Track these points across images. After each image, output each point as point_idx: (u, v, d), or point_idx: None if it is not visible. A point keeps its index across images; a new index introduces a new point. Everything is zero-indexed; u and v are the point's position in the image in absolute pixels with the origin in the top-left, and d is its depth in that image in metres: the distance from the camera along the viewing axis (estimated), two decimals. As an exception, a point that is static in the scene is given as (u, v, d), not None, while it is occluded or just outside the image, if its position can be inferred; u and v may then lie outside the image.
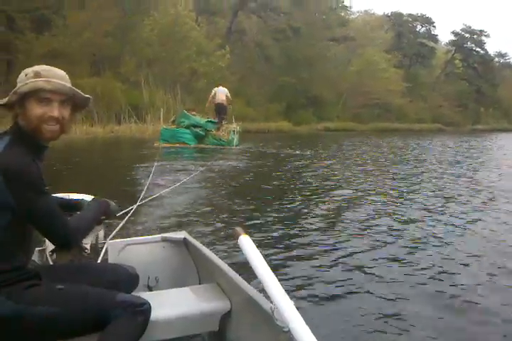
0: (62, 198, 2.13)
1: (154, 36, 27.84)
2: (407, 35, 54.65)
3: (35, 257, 2.26)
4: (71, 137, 18.50)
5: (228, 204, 6.19)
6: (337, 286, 3.28)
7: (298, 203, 6.50)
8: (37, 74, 1.58)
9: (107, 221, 2.13)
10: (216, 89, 16.78)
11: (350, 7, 55.04)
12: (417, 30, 57.07)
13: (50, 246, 2.28)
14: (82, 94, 1.68)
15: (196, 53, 28.88)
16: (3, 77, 20.07)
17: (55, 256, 2.26)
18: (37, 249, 2.35)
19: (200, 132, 16.14)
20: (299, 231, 4.88)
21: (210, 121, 16.55)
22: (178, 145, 15.62)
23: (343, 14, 47.91)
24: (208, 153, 13.89)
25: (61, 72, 1.66)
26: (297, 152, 15.37)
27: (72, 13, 22.59)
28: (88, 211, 1.86)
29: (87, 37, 22.01)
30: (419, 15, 57.24)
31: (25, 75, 1.60)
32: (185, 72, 28.19)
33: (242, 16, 39.39)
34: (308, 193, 7.33)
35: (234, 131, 16.75)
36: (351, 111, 41.32)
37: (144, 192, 3.67)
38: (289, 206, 6.23)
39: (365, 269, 3.66)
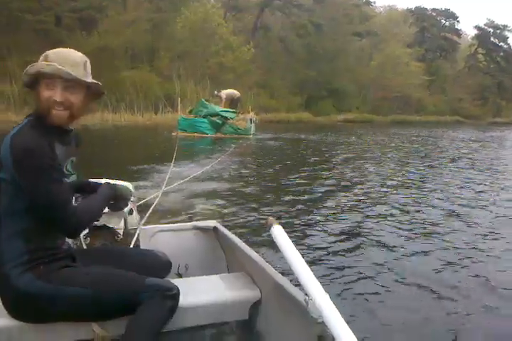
0: (89, 181, 2.06)
1: (186, 32, 30.29)
2: (431, 30, 55.58)
3: (69, 241, 2.23)
4: (115, 123, 21.19)
5: (254, 191, 6.28)
6: (372, 281, 3.21)
7: (325, 189, 6.66)
8: (45, 57, 1.57)
9: (137, 205, 2.11)
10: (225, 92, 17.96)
11: (374, 2, 56.25)
12: (441, 24, 57.89)
13: (84, 230, 2.28)
14: (84, 80, 1.61)
15: (223, 48, 31.20)
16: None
17: (89, 240, 2.33)
18: None
19: (218, 121, 16.30)
20: (333, 220, 4.85)
21: (228, 110, 16.79)
22: (196, 134, 15.95)
23: (366, 9, 49.28)
24: (225, 142, 14.25)
25: (74, 56, 1.61)
26: (317, 138, 17.00)
27: (115, 14, 25.28)
28: (95, 196, 1.80)
29: (129, 35, 24.61)
30: (442, 9, 58.08)
31: (42, 57, 1.59)
32: (214, 65, 30.49)
33: (268, 13, 41.47)
34: (334, 179, 7.62)
35: (251, 119, 17.09)
36: (371, 103, 42.95)
37: (166, 181, 3.52)
38: (317, 192, 6.36)
39: (407, 264, 3.58)
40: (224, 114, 16.44)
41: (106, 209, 1.98)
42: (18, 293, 1.54)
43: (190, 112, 17.33)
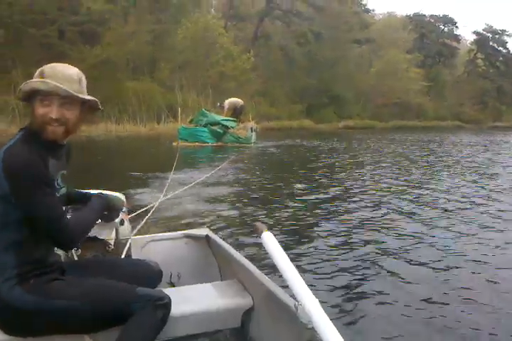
0: (80, 191, 2.06)
1: (187, 43, 30.73)
2: (430, 36, 56.06)
3: (60, 253, 2.22)
4: (118, 134, 21.51)
5: (250, 200, 6.25)
6: (361, 284, 3.23)
7: (324, 193, 6.75)
8: (40, 73, 1.56)
9: (129, 216, 2.06)
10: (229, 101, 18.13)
11: (373, 10, 56.82)
12: (440, 30, 58.34)
13: None
14: (80, 95, 1.60)
15: (224, 57, 31.61)
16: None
17: (79, 251, 2.29)
18: None
19: (218, 130, 16.17)
20: (324, 227, 4.84)
21: (228, 119, 16.70)
22: (196, 144, 15.74)
23: (365, 17, 49.77)
24: (226, 151, 14.13)
25: (69, 72, 1.60)
26: (318, 144, 17.12)
27: (117, 26, 25.74)
28: (88, 208, 1.80)
29: (130, 47, 25.04)
30: (441, 16, 58.57)
31: (36, 73, 1.58)
32: (215, 75, 30.88)
33: (268, 22, 41.99)
34: (333, 187, 7.56)
35: (252, 128, 16.97)
36: (371, 109, 43.33)
37: (165, 191, 3.40)
38: (316, 197, 6.43)
39: (383, 262, 3.68)
40: (224, 122, 16.43)
41: (98, 220, 1.95)
42: (7, 307, 1.54)
43: (191, 122, 17.32)
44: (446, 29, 58.67)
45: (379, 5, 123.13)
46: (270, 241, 1.54)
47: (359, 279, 3.32)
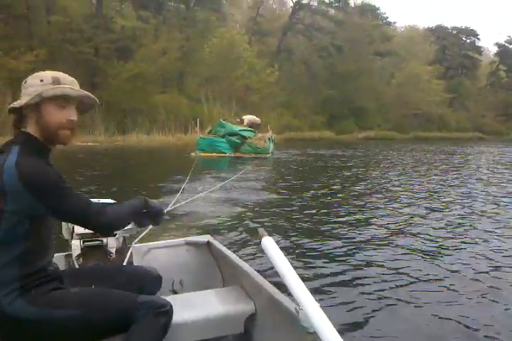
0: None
1: (213, 58, 32.30)
2: (451, 48, 56.47)
3: (61, 262, 2.26)
4: (148, 144, 22.85)
5: (259, 210, 6.28)
6: (364, 289, 3.24)
7: (340, 200, 6.98)
8: (57, 81, 1.59)
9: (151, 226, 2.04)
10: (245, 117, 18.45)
11: (394, 23, 57.64)
12: (462, 42, 58.70)
13: (76, 250, 2.31)
14: (94, 97, 1.70)
15: (248, 71, 33.06)
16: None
17: (81, 260, 2.30)
18: (63, 254, 2.38)
19: (236, 140, 16.32)
20: (325, 235, 4.88)
21: (246, 129, 16.92)
22: (214, 154, 15.94)
23: (386, 30, 50.67)
24: (244, 160, 14.37)
25: (74, 79, 1.67)
26: (336, 154, 17.66)
27: (148, 42, 27.52)
28: (127, 203, 1.83)
29: (161, 63, 26.72)
30: (463, 27, 58.95)
31: (41, 81, 1.59)
32: (240, 88, 32.30)
33: (290, 36, 43.43)
34: (353, 192, 7.87)
35: (270, 138, 17.04)
36: (392, 120, 44.03)
37: (175, 199, 3.66)
38: (330, 205, 6.61)
39: (377, 269, 3.69)
40: (242, 133, 16.58)
41: (130, 225, 1.99)
42: (9, 319, 1.53)
43: (210, 132, 17.50)
44: (468, 41, 58.98)
45: (400, 18, 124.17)
46: (271, 246, 1.54)
47: (364, 284, 3.36)
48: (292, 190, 8.34)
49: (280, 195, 7.78)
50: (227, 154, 16.16)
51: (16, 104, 1.59)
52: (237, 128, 16.97)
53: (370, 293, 3.18)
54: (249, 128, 17.13)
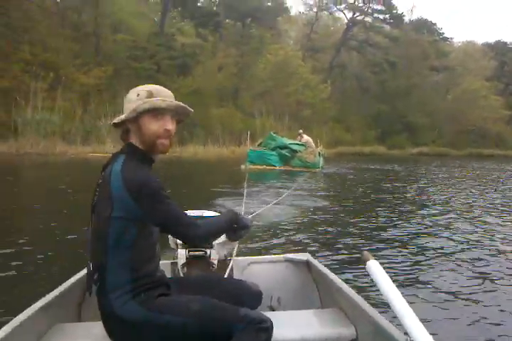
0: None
1: (267, 73, 33.28)
2: (511, 64, 55.01)
3: (167, 269, 2.38)
4: (204, 155, 23.89)
5: (335, 222, 6.25)
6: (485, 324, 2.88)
7: (416, 219, 6.60)
8: (150, 94, 1.67)
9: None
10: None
11: (451, 38, 56.89)
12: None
13: (181, 259, 2.39)
14: (188, 108, 1.75)
15: (302, 86, 33.75)
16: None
17: (185, 269, 2.39)
18: (169, 261, 2.51)
19: (287, 153, 16.34)
20: (428, 252, 4.61)
21: (296, 143, 16.96)
22: (264, 166, 15.97)
23: (442, 45, 50.15)
24: (294, 174, 14.37)
25: (169, 91, 1.74)
26: (390, 169, 17.71)
27: (206, 59, 28.89)
28: (217, 217, 1.92)
29: (219, 79, 27.98)
30: (523, 43, 57.34)
31: (137, 95, 1.68)
32: (293, 103, 33.01)
33: (344, 52, 43.90)
34: (423, 208, 7.61)
35: (319, 152, 16.99)
36: (447, 136, 43.27)
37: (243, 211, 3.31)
38: (407, 223, 6.28)
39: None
40: (293, 146, 16.64)
41: (222, 239, 1.97)
42: (122, 322, 1.60)
43: (260, 145, 17.65)
44: (528, 56, 57.20)
45: (458, 33, 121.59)
46: (377, 270, 1.46)
47: (482, 316, 2.98)
48: (359, 204, 8.25)
49: (345, 210, 7.62)
50: (277, 167, 16.22)
51: (117, 119, 1.70)
52: (287, 141, 17.08)
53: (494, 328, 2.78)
54: (300, 142, 17.21)
